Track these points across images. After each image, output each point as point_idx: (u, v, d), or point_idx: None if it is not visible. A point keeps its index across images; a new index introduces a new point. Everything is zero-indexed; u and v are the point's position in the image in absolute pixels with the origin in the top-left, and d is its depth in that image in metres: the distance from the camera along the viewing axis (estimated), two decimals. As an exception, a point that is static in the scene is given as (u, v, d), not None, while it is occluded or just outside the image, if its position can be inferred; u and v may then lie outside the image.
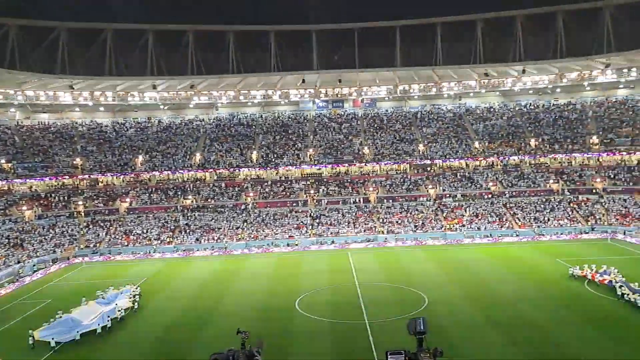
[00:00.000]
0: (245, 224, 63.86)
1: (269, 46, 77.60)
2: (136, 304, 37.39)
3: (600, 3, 71.59)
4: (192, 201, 68.57)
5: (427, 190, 68.50)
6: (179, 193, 70.23)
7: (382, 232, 60.95)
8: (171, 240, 61.11)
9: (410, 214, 64.54)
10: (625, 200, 63.09)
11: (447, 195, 67.73)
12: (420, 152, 73.73)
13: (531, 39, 75.78)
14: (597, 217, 61.26)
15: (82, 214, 66.27)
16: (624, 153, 68.83)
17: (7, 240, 56.95)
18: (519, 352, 26.93)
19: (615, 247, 53.09)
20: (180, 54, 76.38)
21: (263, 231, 62.22)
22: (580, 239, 57.49)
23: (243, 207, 67.36)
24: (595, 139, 70.98)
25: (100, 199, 69.02)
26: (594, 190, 66.19)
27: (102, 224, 64.50)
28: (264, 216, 65.33)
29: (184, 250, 58.79)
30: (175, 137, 79.07)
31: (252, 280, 45.49)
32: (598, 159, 70.73)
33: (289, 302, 37.22)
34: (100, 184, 72.04)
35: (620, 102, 77.10)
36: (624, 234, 56.41)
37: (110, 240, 61.42)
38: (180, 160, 74.07)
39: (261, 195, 69.67)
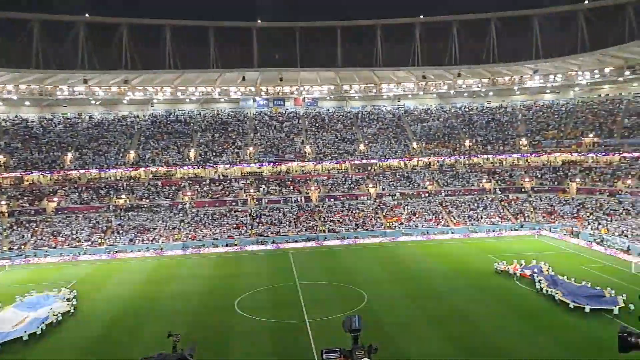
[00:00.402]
0: (182, 224, 61.99)
1: (209, 42, 75.88)
2: (72, 307, 35.55)
3: (530, 11, 75.61)
4: (125, 201, 65.71)
5: (368, 189, 69.48)
6: (112, 192, 67.10)
7: (323, 231, 61.11)
8: (103, 241, 58.22)
9: (351, 212, 65.16)
10: (550, 198, 66.82)
11: (387, 194, 68.99)
12: (361, 152, 74.67)
13: (466, 44, 78.80)
14: (526, 214, 64.52)
15: (6, 214, 61.83)
16: (550, 154, 72.92)
17: None
18: (453, 345, 27.77)
19: (542, 243, 56.10)
20: (114, 48, 73.04)
21: (201, 231, 60.64)
22: (510, 235, 60.24)
23: (180, 206, 65.35)
24: (524, 141, 74.77)
25: (25, 198, 64.67)
26: (522, 189, 69.67)
27: (27, 225, 60.45)
28: (202, 216, 63.69)
29: (117, 252, 56.20)
30: (108, 134, 75.47)
31: (190, 281, 44.23)
32: (527, 160, 74.54)
33: (228, 303, 36.55)
34: (25, 182, 67.49)
35: (546, 106, 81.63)
36: (550, 230, 59.72)
37: (36, 242, 57.65)
38: (113, 158, 70.77)
39: (199, 194, 67.90)
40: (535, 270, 39.45)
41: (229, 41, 77.46)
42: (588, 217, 59.46)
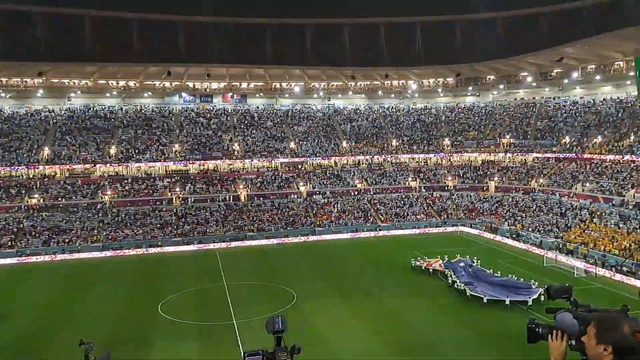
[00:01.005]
0: (101, 224, 58.83)
1: (132, 35, 72.53)
2: None
3: (454, 17, 78.95)
4: (39, 200, 61.35)
5: (298, 188, 69.50)
6: (23, 191, 62.40)
7: (252, 230, 60.37)
8: (13, 244, 54.02)
9: (281, 211, 64.87)
10: (471, 196, 70.18)
11: (317, 193, 69.38)
12: (291, 150, 74.57)
13: (394, 46, 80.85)
14: (449, 212, 67.36)
15: None
16: (471, 154, 76.62)
17: None
18: (382, 340, 28.33)
19: (464, 238, 58.79)
20: (28, 37, 67.87)
21: (122, 232, 57.86)
22: (434, 232, 62.60)
23: (99, 206, 62.00)
24: (447, 141, 78.02)
25: None
26: (446, 188, 72.67)
27: None
28: (123, 216, 60.76)
29: (29, 255, 52.36)
30: (20, 129, 70.06)
31: (110, 284, 42.09)
32: (449, 159, 77.84)
33: (151, 306, 35.11)
34: None
35: (467, 108, 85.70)
36: (471, 227, 62.70)
37: None
38: (25, 155, 65.80)
39: (120, 193, 64.73)
40: (462, 264, 41.01)
41: (154, 34, 74.42)
42: (505, 213, 63.03)
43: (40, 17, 67.83)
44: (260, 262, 48.79)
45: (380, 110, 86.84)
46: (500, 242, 55.61)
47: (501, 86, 79.97)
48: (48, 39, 68.23)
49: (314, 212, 65.33)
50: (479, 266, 41.07)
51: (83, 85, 73.39)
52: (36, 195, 61.54)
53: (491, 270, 39.61)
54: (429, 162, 78.17)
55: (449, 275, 38.83)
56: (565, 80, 72.70)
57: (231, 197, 66.50)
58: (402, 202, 69.10)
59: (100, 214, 60.55)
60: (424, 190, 72.17)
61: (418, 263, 43.40)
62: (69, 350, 25.23)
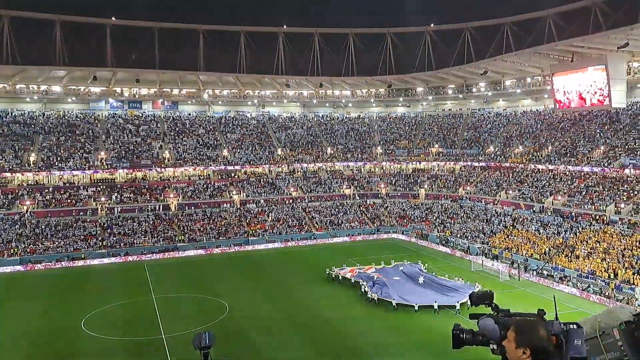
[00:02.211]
0: (19, 236, 54.82)
1: (54, 37, 68.67)
2: None
3: (385, 30, 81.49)
4: (-54, 212, 56.25)
5: (231, 196, 68.32)
6: None
7: (183, 241, 58.57)
8: None
9: (213, 220, 63.47)
10: (403, 203, 72.18)
11: (251, 201, 68.55)
12: (224, 158, 73.32)
13: (328, 56, 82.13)
14: (382, 219, 68.84)
15: None
16: (402, 163, 78.91)
17: None
18: (314, 350, 28.31)
19: (396, 245, 60.25)
20: None
21: (42, 244, 54.22)
22: (368, 239, 63.67)
23: (17, 217, 57.78)
24: (379, 150, 79.92)
25: None
26: (379, 195, 74.28)
27: None
28: (43, 227, 56.97)
29: None
30: None
31: (29, 300, 39.45)
32: (382, 167, 79.72)
33: (74, 323, 33.34)
34: None
35: (399, 118, 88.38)
36: (402, 233, 64.43)
37: None
38: None
39: (40, 203, 60.68)
40: (401, 268, 42.51)
41: (78, 37, 71.00)
42: (435, 220, 65.32)
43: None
44: (192, 274, 47.44)
45: (315, 119, 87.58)
46: (431, 248, 57.53)
47: (430, 97, 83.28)
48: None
49: (247, 221, 64.47)
50: (425, 271, 42.54)
51: (1, 89, 68.41)
52: (-57, 207, 56.35)
53: (446, 276, 41.23)
54: (362, 170, 79.64)
55: (362, 285, 39.08)
56: (489, 93, 76.85)
57: (161, 206, 64.17)
58: (336, 209, 69.78)
59: (18, 225, 56.41)
60: (357, 198, 73.33)
61: (335, 272, 43.45)
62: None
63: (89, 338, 30.83)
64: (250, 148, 76.75)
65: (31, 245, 53.73)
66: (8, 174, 62.21)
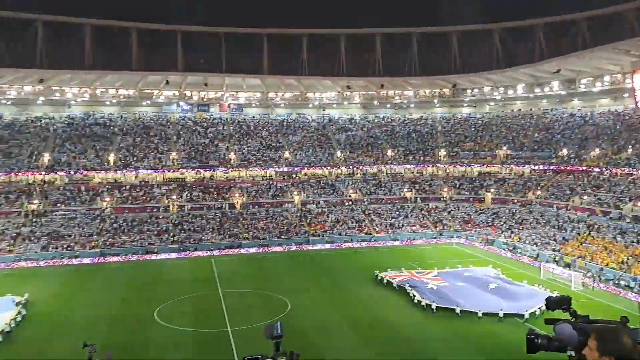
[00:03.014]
0: (100, 230, 58.75)
1: (131, 43, 72.89)
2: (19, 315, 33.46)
3: (449, 28, 79.78)
4: (38, 206, 61.22)
5: (292, 197, 69.57)
6: (23, 197, 62.26)
7: (247, 239, 60.35)
8: (12, 248, 53.86)
9: (276, 219, 64.90)
10: (467, 207, 70.32)
11: (311, 202, 69.43)
12: (286, 160, 74.76)
13: (389, 56, 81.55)
14: (444, 223, 67.45)
15: None
16: (467, 165, 76.90)
17: None
18: (374, 351, 28.38)
19: (460, 250, 58.90)
20: (28, 45, 68.09)
21: (120, 238, 57.81)
22: (430, 243, 62.62)
23: (98, 212, 61.93)
24: (443, 152, 78.37)
25: None
26: (441, 199, 72.82)
27: None
28: (121, 222, 60.73)
29: (27, 260, 52.28)
30: (20, 136, 70.15)
31: (107, 290, 42.28)
32: (445, 170, 78.11)
33: (148, 312, 35.28)
34: None
35: (464, 119, 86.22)
36: (467, 238, 62.75)
37: None
38: (25, 161, 65.83)
39: (118, 200, 64.72)
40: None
41: (153, 44, 74.89)
42: (501, 225, 63.11)
43: (41, 24, 68.11)
44: (255, 270, 48.89)
45: (376, 120, 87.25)
46: (497, 254, 55.72)
47: (498, 97, 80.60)
48: (48, 46, 68.51)
49: (307, 221, 65.36)
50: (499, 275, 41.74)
51: (83, 93, 73.49)
52: (36, 201, 61.46)
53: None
54: (424, 172, 78.41)
55: (409, 290, 38.49)
56: (563, 92, 73.27)
57: (227, 205, 66.54)
58: (397, 212, 69.16)
59: (98, 220, 60.49)
60: (419, 201, 72.30)
61: (384, 275, 43.14)
62: (68, 353, 25.50)
63: (161, 327, 32.57)
64: (311, 150, 77.73)
65: (110, 239, 57.43)
66: (90, 173, 66.89)
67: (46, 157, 66.84)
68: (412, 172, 78.01)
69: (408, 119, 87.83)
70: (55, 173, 66.03)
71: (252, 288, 41.87)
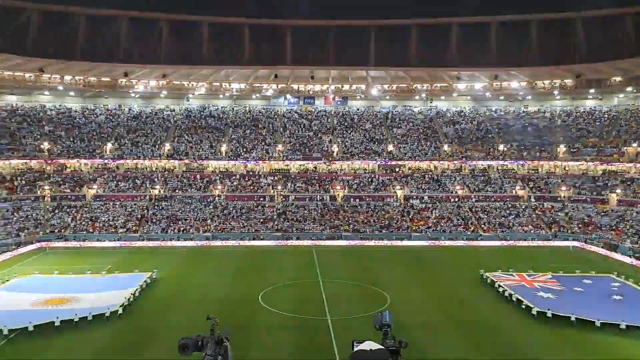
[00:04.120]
0: (212, 216, 62.90)
1: (244, 39, 76.53)
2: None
3: (573, 14, 73.09)
4: (159, 191, 67.20)
5: (395, 191, 68.75)
6: (147, 182, 68.71)
7: (347, 231, 60.84)
8: (137, 229, 59.77)
9: (377, 213, 64.64)
10: (588, 209, 64.46)
11: (415, 197, 68.10)
12: (389, 153, 74.00)
13: (505, 45, 76.71)
14: (561, 224, 62.49)
15: (48, 198, 64.12)
16: (589, 163, 70.42)
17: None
18: (481, 355, 27.14)
19: (578, 254, 54.19)
20: (154, 43, 74.52)
21: (229, 224, 61.41)
22: (543, 245, 58.45)
23: (211, 199, 66.37)
24: (562, 148, 72.49)
25: (67, 184, 67.04)
26: (558, 198, 67.54)
27: (68, 210, 62.67)
28: (230, 209, 64.50)
29: (150, 240, 57.76)
30: (145, 126, 77.41)
31: (217, 271, 45.07)
32: (564, 168, 72.27)
33: (252, 295, 36.84)
34: (67, 169, 69.98)
35: (588, 113, 79.02)
36: (585, 242, 57.53)
37: (75, 226, 59.73)
38: (149, 150, 72.53)
39: (229, 188, 68.76)
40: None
41: (262, 38, 77.88)
42: (627, 230, 57.10)
43: (164, 23, 74.05)
44: (355, 263, 49.05)
45: (487, 113, 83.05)
46: (620, 260, 50.47)
47: (629, 89, 72.51)
48: (171, 43, 74.27)
49: (410, 216, 64.22)
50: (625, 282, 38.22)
51: (200, 87, 78.79)
52: (157, 187, 67.50)
53: None
54: (540, 169, 73.22)
55: (514, 298, 35.63)
56: None
57: (328, 197, 67.62)
58: (507, 211, 65.43)
59: (211, 207, 64.80)
60: (533, 200, 67.70)
61: (489, 275, 40.93)
62: (185, 326, 27.78)
63: (264, 311, 33.89)
64: (416, 143, 76.15)
65: (220, 224, 61.24)
66: (205, 162, 71.83)
67: (167, 147, 72.92)
68: (526, 169, 73.21)
69: (523, 111, 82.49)
70: (175, 161, 71.79)
71: (351, 280, 42.08)
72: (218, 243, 57.57)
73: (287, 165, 72.85)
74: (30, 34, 65.89)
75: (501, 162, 73.14)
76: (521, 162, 73.03)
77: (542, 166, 73.27)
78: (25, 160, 67.88)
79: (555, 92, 77.68)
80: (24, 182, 65.51)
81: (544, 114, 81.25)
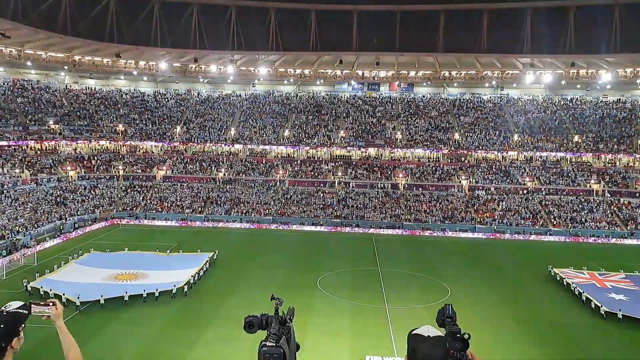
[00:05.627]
0: (273, 200, 64.11)
1: (310, 25, 76.61)
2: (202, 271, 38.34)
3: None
4: (224, 174, 69.25)
5: (460, 181, 66.90)
6: (213, 165, 70.97)
7: (409, 220, 60.01)
8: (202, 210, 62.08)
9: (440, 203, 63.26)
10: (670, 206, 59.93)
11: (480, 188, 65.98)
12: (455, 141, 71.93)
13: (582, 30, 72.02)
14: (638, 222, 58.50)
15: (122, 178, 67.91)
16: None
17: (51, 197, 58.88)
18: (545, 352, 26.15)
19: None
20: (223, 29, 76.31)
21: (290, 208, 62.33)
22: (617, 243, 55.13)
23: (272, 183, 67.59)
24: (644, 140, 67.59)
25: (139, 165, 70.61)
26: (637, 194, 63.17)
27: (139, 189, 66.06)
28: (291, 194, 65.39)
29: (214, 221, 59.77)
30: (213, 111, 79.71)
31: (277, 254, 45.95)
32: (645, 162, 67.40)
33: (311, 280, 37.35)
34: (139, 151, 73.61)
35: (674, 103, 73.01)
36: (666, 241, 53.74)
37: (145, 205, 62.92)
38: (215, 134, 74.73)
39: (290, 173, 69.64)
40: None
41: (329, 24, 77.58)
42: None
43: (233, 9, 75.45)
44: (415, 253, 48.35)
45: (562, 103, 78.64)
46: None
47: None
48: (237, 30, 75.71)
49: (475, 208, 62.34)
50: None
51: (266, 73, 79.85)
52: (222, 170, 69.56)
53: None
54: (617, 163, 68.68)
55: (583, 297, 33.78)
56: None
57: (390, 185, 66.87)
58: (579, 206, 62.01)
59: (272, 191, 66.02)
60: (608, 195, 63.72)
61: (558, 271, 39.07)
62: (246, 305, 28.63)
63: (322, 295, 34.29)
64: (484, 132, 73.53)
65: (281, 208, 62.29)
66: (267, 147, 73.06)
67: (232, 131, 74.77)
68: (603, 162, 68.92)
69: (602, 101, 77.47)
70: (239, 145, 73.55)
71: (411, 270, 41.59)
72: (278, 227, 58.61)
73: (349, 151, 72.64)
74: (108, 20, 69.48)
75: (575, 154, 69.20)
76: (597, 154, 68.77)
77: (620, 159, 68.66)
78: (102, 142, 71.94)
79: (638, 82, 72.15)
80: (99, 162, 69.60)
81: (624, 104, 75.88)
